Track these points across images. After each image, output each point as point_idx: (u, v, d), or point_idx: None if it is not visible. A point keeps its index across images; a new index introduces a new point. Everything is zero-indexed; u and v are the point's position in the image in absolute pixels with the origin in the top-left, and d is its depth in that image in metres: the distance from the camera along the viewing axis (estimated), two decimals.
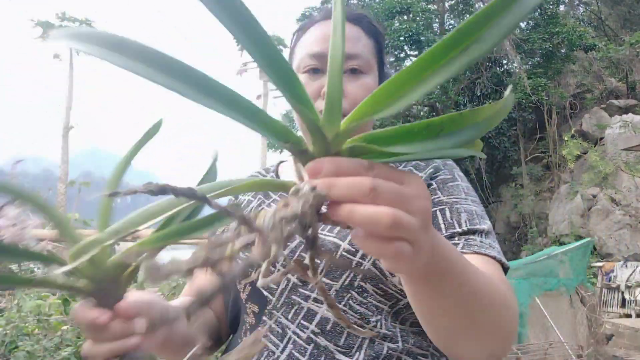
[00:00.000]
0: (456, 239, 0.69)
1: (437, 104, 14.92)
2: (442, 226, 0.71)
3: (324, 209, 0.34)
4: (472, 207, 0.74)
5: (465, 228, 0.70)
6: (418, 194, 0.36)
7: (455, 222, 0.71)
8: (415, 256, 0.36)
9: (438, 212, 0.73)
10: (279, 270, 0.74)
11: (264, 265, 0.34)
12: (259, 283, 0.33)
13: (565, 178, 13.06)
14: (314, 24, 0.84)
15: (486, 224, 0.72)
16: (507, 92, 0.35)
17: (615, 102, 13.63)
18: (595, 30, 17.10)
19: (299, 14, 19.64)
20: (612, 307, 8.22)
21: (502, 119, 0.36)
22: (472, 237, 0.69)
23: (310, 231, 0.32)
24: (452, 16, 16.99)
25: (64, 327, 2.63)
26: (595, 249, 10.17)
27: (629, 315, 7.78)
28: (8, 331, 2.51)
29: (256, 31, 0.31)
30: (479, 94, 15.01)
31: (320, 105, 0.76)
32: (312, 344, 0.67)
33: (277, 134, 0.33)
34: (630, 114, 11.97)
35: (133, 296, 0.51)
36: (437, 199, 0.75)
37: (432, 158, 0.53)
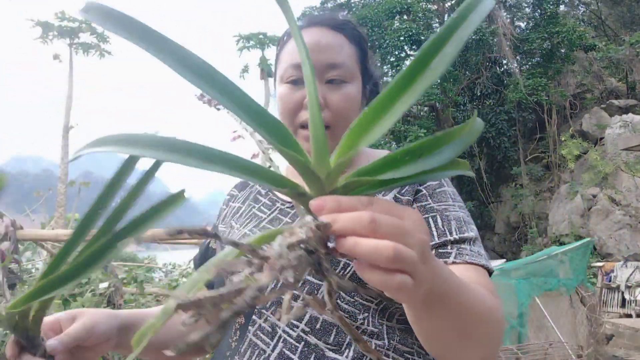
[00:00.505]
0: (448, 247, 0.72)
1: (437, 104, 14.91)
2: (435, 234, 0.73)
3: (332, 244, 0.36)
4: (460, 213, 0.77)
5: (456, 236, 0.73)
6: (416, 227, 0.38)
7: (446, 230, 0.73)
8: (416, 287, 0.38)
9: (430, 219, 0.75)
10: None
11: (285, 301, 0.35)
12: (283, 319, 0.34)
13: (565, 178, 13.07)
14: (301, 31, 0.85)
15: (473, 231, 0.76)
16: (474, 115, 0.38)
17: (615, 102, 13.64)
18: (595, 30, 17.10)
19: (299, 13, 19.64)
20: (612, 307, 8.22)
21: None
22: (462, 245, 0.72)
23: (315, 256, 0.34)
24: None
25: None
26: (595, 249, 10.18)
27: (629, 315, 7.78)
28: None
29: (236, 93, 0.37)
30: (479, 93, 15.02)
31: (304, 115, 0.79)
32: (303, 342, 0.69)
33: (274, 182, 0.37)
34: (630, 114, 11.98)
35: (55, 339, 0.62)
36: (428, 206, 0.77)
37: (421, 180, 0.58)
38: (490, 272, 0.72)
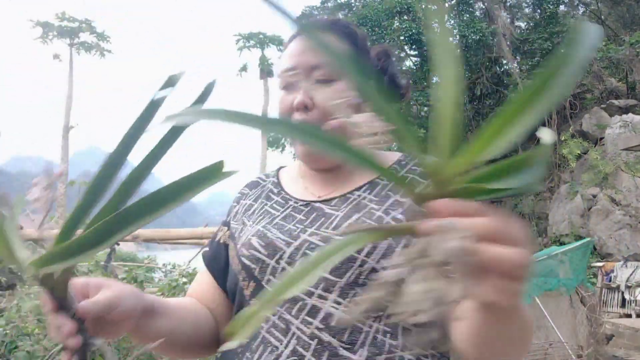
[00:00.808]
0: None
1: None
2: None
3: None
4: None
5: None
6: (524, 237, 0.39)
7: None
8: (518, 292, 0.39)
9: None
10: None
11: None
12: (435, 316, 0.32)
13: (565, 178, 13.07)
14: (293, 40, 0.88)
15: None
16: (546, 135, 0.39)
17: (615, 102, 13.63)
18: None
19: (299, 13, 19.64)
20: (612, 307, 8.22)
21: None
22: None
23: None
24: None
25: None
26: (595, 249, 10.18)
27: (629, 315, 7.78)
28: (8, 331, 2.51)
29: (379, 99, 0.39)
30: (478, 93, 15.03)
31: (296, 117, 0.82)
32: (316, 340, 0.68)
33: (397, 180, 0.39)
34: (630, 114, 11.97)
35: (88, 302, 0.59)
36: None
37: (516, 194, 0.60)
38: None
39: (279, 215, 0.84)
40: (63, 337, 0.54)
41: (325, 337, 0.68)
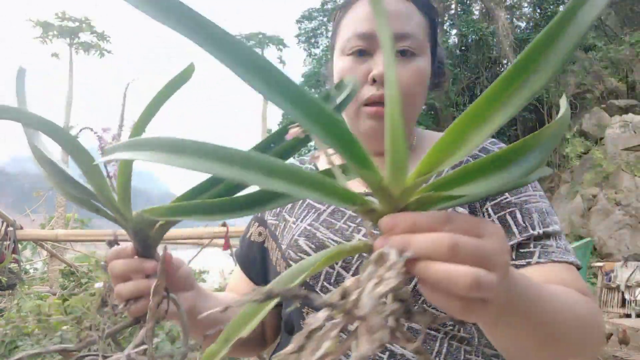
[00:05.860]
0: (531, 246, 0.65)
1: (437, 103, 14.92)
2: (515, 231, 0.66)
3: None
4: (541, 204, 0.69)
5: (540, 231, 0.66)
6: (499, 248, 0.34)
7: (528, 225, 0.66)
8: (489, 309, 0.34)
9: (508, 216, 0.68)
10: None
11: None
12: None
13: (566, 178, 13.07)
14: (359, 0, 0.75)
15: (557, 223, 0.69)
16: (563, 105, 0.32)
17: (615, 102, 13.63)
18: (595, 30, 17.11)
19: (299, 14, 19.64)
20: (612, 307, 8.22)
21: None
22: (547, 242, 0.65)
23: (407, 303, 0.30)
24: (451, 15, 16.99)
25: (64, 327, 2.63)
26: (595, 249, 10.18)
27: (629, 315, 7.78)
28: (8, 331, 2.51)
29: (307, 99, 0.31)
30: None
31: (368, 90, 0.70)
32: (387, 352, 0.64)
33: (343, 199, 0.33)
34: (630, 114, 11.98)
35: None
36: (504, 201, 0.69)
37: (501, 192, 0.57)
38: (578, 268, 0.65)
39: (325, 210, 0.74)
40: (143, 276, 0.57)
41: (397, 349, 0.64)
